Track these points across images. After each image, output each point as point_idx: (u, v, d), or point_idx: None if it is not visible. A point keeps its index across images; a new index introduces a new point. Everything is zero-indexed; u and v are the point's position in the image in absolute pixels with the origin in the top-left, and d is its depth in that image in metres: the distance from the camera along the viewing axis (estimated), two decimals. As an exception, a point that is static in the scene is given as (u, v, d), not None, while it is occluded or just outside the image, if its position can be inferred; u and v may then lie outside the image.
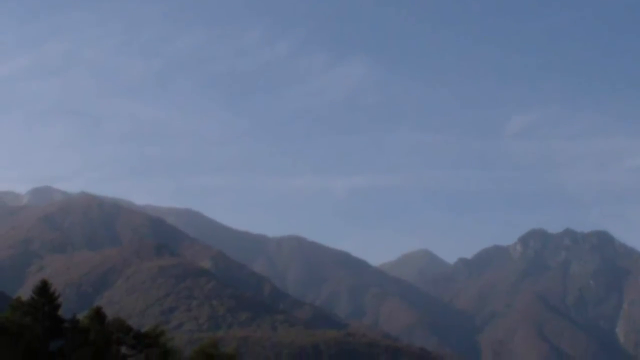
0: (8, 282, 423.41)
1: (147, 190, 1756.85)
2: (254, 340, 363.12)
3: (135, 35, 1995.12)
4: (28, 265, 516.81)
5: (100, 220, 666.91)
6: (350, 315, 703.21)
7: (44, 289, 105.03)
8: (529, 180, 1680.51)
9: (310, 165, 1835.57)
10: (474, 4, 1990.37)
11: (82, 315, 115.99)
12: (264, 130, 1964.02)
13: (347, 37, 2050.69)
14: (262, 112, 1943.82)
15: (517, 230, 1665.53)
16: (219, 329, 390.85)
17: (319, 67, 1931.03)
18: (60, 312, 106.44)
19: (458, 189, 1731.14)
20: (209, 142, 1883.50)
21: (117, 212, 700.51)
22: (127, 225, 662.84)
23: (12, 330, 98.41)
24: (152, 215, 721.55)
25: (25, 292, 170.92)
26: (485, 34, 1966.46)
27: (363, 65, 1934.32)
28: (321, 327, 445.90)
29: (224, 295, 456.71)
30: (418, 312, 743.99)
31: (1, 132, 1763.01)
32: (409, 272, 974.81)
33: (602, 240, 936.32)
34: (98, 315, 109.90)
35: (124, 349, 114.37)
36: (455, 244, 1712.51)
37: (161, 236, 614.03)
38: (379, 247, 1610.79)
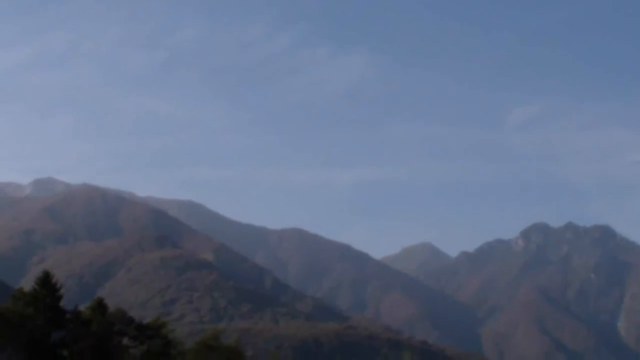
0: (10, 273, 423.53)
1: (150, 182, 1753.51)
2: (255, 332, 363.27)
3: (137, 27, 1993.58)
4: (30, 256, 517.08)
5: (102, 211, 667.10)
6: (352, 308, 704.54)
7: (45, 280, 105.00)
8: (531, 174, 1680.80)
9: (312, 158, 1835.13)
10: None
11: (83, 307, 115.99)
12: (266, 122, 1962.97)
13: (350, 29, 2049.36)
14: (265, 104, 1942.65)
15: (519, 223, 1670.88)
16: (221, 321, 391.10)
17: (321, 59, 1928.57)
18: (62, 303, 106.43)
19: (460, 182, 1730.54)
20: (212, 134, 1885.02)
21: (120, 203, 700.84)
22: (129, 217, 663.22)
23: (13, 321, 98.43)
24: (154, 207, 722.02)
25: (27, 283, 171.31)
26: (488, 26, 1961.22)
27: (365, 58, 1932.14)
28: (322, 320, 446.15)
29: (225, 287, 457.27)
30: (420, 305, 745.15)
31: (4, 123, 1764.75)
32: (411, 265, 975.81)
33: (604, 234, 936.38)
34: (100, 306, 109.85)
35: (125, 341, 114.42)
36: (457, 238, 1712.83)
37: (163, 228, 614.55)
38: (380, 240, 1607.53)
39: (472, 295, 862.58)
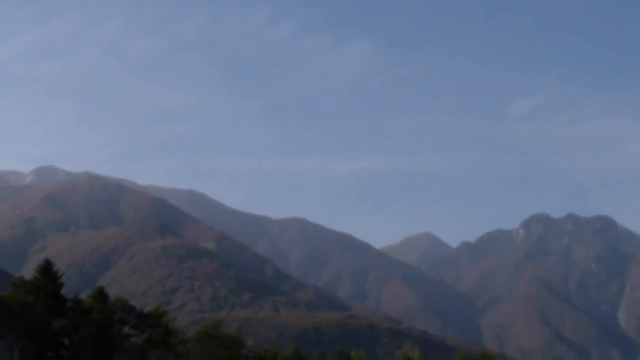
0: (11, 261, 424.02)
1: (151, 171, 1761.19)
2: (256, 321, 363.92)
3: (140, 15, 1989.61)
4: (31, 244, 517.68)
5: (103, 200, 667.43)
6: (353, 297, 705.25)
7: (47, 269, 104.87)
8: (533, 165, 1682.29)
9: (314, 148, 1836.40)
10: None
11: (85, 295, 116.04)
12: (269, 112, 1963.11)
13: (352, 18, 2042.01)
14: (267, 94, 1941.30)
15: (520, 214, 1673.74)
16: (222, 310, 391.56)
17: (323, 48, 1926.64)
18: (63, 291, 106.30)
19: (462, 172, 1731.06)
20: (214, 123, 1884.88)
21: (121, 192, 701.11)
22: (131, 206, 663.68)
23: (15, 309, 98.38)
24: (155, 196, 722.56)
25: (28, 272, 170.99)
26: (490, 18, 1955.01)
27: (367, 48, 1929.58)
28: (323, 309, 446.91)
29: (226, 276, 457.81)
30: (420, 296, 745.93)
31: (6, 112, 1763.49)
32: (412, 255, 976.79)
33: (605, 226, 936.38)
34: (101, 295, 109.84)
35: (126, 329, 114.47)
36: (458, 228, 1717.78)
37: (164, 217, 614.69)
38: (382, 230, 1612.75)
39: (473, 286, 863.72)
